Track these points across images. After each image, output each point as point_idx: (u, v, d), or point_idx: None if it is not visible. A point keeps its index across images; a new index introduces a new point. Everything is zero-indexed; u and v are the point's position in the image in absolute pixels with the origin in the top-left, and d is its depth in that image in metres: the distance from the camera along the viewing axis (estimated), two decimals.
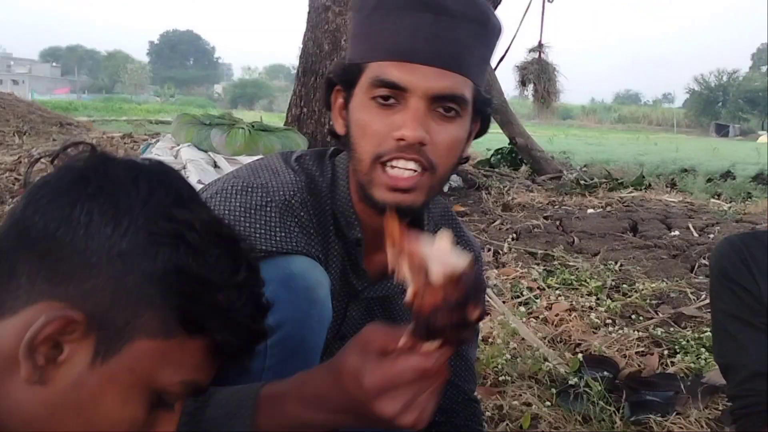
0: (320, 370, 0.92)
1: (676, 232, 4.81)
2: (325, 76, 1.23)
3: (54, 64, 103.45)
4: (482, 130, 1.27)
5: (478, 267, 0.80)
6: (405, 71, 1.10)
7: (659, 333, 2.95)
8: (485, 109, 1.22)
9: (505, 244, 4.37)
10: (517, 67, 8.30)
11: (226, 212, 1.14)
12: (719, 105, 78.60)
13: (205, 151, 4.56)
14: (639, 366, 2.67)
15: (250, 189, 1.16)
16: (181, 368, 0.76)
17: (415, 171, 1.12)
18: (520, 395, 2.36)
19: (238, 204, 1.14)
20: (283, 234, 1.15)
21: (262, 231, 1.14)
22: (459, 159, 1.21)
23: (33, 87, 65.84)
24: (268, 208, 1.15)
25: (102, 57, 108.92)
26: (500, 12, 5.75)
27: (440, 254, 0.81)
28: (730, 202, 7.04)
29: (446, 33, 1.10)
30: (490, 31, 1.17)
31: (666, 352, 2.79)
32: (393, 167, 1.12)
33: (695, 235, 4.76)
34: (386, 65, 1.11)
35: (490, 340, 2.77)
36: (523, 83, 8.30)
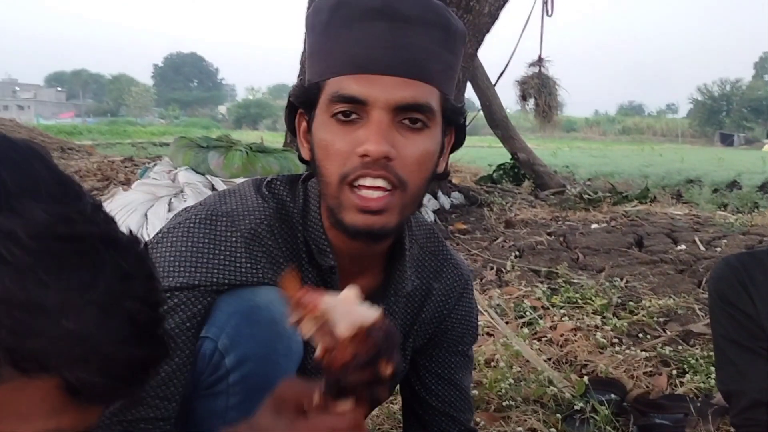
0: (241, 427, 0.86)
1: (683, 246, 4.74)
2: (287, 101, 1.16)
3: (59, 88, 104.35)
4: (458, 142, 1.20)
5: (389, 320, 0.74)
6: (363, 83, 1.03)
7: (667, 352, 2.88)
8: (457, 118, 1.15)
9: (508, 262, 4.30)
10: (518, 81, 8.27)
11: (189, 244, 1.09)
12: (723, 114, 78.65)
13: (203, 174, 4.53)
14: (647, 387, 2.59)
15: (214, 218, 1.11)
16: (29, 418, 0.59)
17: (385, 189, 1.05)
18: (525, 420, 2.30)
19: (201, 235, 1.09)
20: (249, 265, 1.10)
21: (227, 263, 1.08)
22: (433, 174, 1.13)
23: (38, 112, 66.32)
24: (233, 239, 1.10)
25: (106, 80, 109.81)
26: (498, 27, 5.73)
27: (347, 308, 0.76)
28: (737, 213, 6.97)
29: (404, 40, 1.04)
30: (453, 35, 1.10)
31: (675, 371, 2.72)
32: (361, 187, 1.05)
33: (702, 249, 4.68)
34: (344, 79, 1.04)
35: (493, 363, 2.70)
36: (523, 98, 8.25)
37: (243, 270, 1.10)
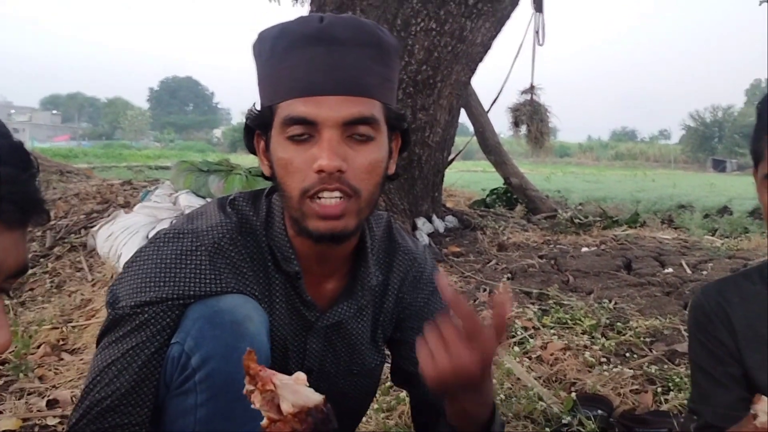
0: None
1: (670, 270, 4.85)
2: (244, 124, 1.28)
3: (54, 111, 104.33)
4: (405, 144, 1.32)
5: (329, 409, 0.88)
6: (310, 105, 1.14)
7: (653, 370, 2.98)
8: (401, 123, 1.26)
9: (501, 284, 4.40)
10: (510, 108, 8.43)
11: (159, 261, 1.19)
12: (715, 140, 79.10)
13: (203, 198, 4.62)
14: (633, 404, 2.69)
15: (181, 235, 1.22)
16: None
17: (341, 198, 1.16)
18: None
19: (169, 251, 1.20)
20: (213, 276, 1.20)
21: (192, 275, 1.18)
22: (384, 177, 1.25)
23: (33, 135, 66.28)
24: (198, 252, 1.20)
25: (102, 104, 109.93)
26: (491, 56, 5.87)
27: (295, 388, 0.88)
28: (724, 237, 7.08)
29: (341, 61, 1.14)
30: (386, 50, 1.20)
31: (660, 389, 2.81)
32: (320, 198, 1.16)
33: (688, 272, 4.79)
34: (292, 103, 1.15)
35: None
36: (515, 124, 8.41)
37: (207, 281, 1.19)
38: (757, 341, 1.31)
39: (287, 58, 1.15)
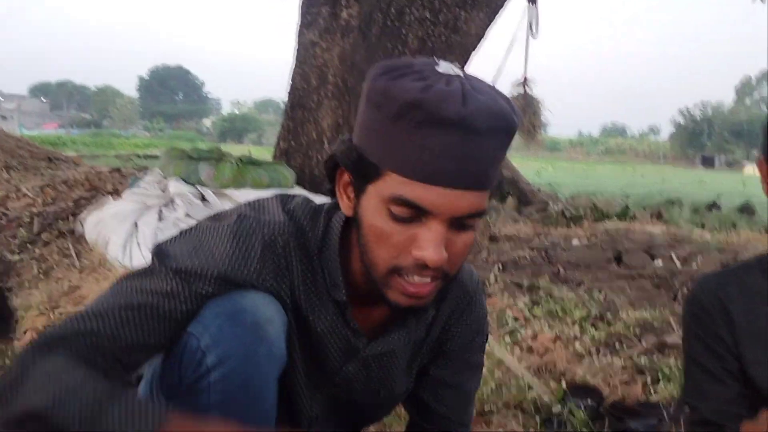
0: None
1: (660, 262, 4.86)
2: (331, 155, 1.15)
3: (43, 99, 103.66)
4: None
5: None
6: (431, 194, 1.02)
7: (643, 361, 2.99)
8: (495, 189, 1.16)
9: (492, 275, 4.40)
10: None
11: (217, 232, 1.14)
12: (705, 137, 79.49)
13: (193, 185, 4.58)
14: (623, 394, 2.69)
15: (243, 217, 1.17)
16: None
17: (431, 281, 1.10)
18: (506, 424, 2.38)
19: (226, 226, 1.15)
20: (258, 266, 1.14)
21: (240, 257, 1.13)
22: None
23: (22, 122, 65.86)
24: (253, 238, 1.15)
25: (91, 92, 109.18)
26: (485, 47, 5.86)
27: None
28: (714, 231, 7.12)
29: (474, 153, 1.02)
30: (513, 135, 1.10)
31: (649, 380, 2.82)
32: (409, 276, 1.08)
33: (678, 264, 4.81)
34: (409, 184, 1.03)
35: None
36: None
37: (251, 269, 1.13)
38: (756, 336, 1.29)
39: (416, 133, 1.02)
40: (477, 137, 1.02)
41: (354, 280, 1.21)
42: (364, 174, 1.08)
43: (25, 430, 0.95)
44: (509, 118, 1.06)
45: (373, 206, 1.08)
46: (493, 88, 1.09)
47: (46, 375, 0.97)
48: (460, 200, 1.04)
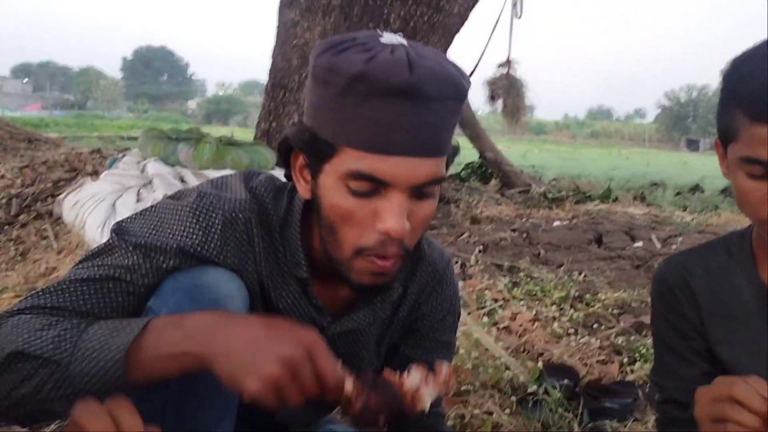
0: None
1: (640, 244, 4.88)
2: (283, 138, 1.14)
3: (25, 80, 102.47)
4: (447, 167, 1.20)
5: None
6: (387, 165, 1.02)
7: (620, 342, 3.00)
8: (453, 159, 1.16)
9: (473, 257, 4.40)
10: (486, 82, 8.40)
11: (177, 209, 1.14)
12: (689, 120, 79.86)
13: (172, 166, 4.54)
14: (599, 374, 2.70)
15: (203, 195, 1.16)
16: None
17: (393, 258, 1.09)
18: (482, 404, 2.38)
19: (186, 204, 1.15)
20: (219, 243, 1.14)
21: (201, 234, 1.13)
22: None
23: (4, 103, 65.11)
24: (214, 215, 1.14)
25: (74, 73, 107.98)
26: (468, 28, 5.83)
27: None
28: (696, 213, 7.16)
29: (425, 119, 1.02)
30: (463, 99, 1.10)
31: (626, 360, 2.83)
32: (373, 259, 1.08)
33: (658, 246, 4.84)
34: (364, 157, 1.02)
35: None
36: (492, 98, 8.40)
37: (212, 246, 1.13)
38: (720, 315, 1.29)
39: (365, 105, 1.01)
40: (427, 103, 1.02)
41: (316, 258, 1.20)
42: (319, 153, 1.07)
43: (12, 373, 0.99)
44: (458, 82, 1.06)
45: (331, 185, 1.07)
46: (438, 53, 1.09)
47: (13, 327, 1.02)
48: (417, 168, 1.04)
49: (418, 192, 1.06)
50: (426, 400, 1.04)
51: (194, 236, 1.12)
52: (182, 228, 1.12)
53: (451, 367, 1.13)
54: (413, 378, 1.04)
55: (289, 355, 0.95)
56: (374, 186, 1.04)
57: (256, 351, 0.95)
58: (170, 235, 1.12)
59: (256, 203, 1.19)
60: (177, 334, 0.98)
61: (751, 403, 0.96)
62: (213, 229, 1.14)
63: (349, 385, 0.98)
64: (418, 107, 1.01)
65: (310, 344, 0.98)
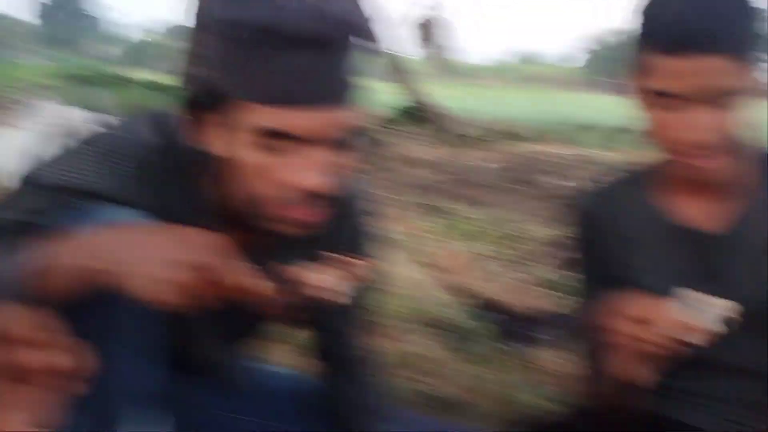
0: None
1: (573, 183, 4.97)
2: (183, 96, 1.05)
3: None
4: None
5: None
6: (298, 119, 0.96)
7: (555, 278, 3.06)
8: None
9: (406, 199, 4.41)
10: (415, 24, 8.34)
11: (79, 151, 1.08)
12: (619, 63, 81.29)
13: (96, 112, 4.41)
14: (534, 309, 2.77)
15: (109, 136, 1.09)
16: None
17: (320, 208, 1.03)
18: (417, 341, 2.42)
19: (91, 145, 1.07)
20: (127, 183, 1.06)
21: (107, 174, 1.05)
22: None
23: None
24: (120, 155, 1.07)
25: None
26: None
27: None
28: (625, 152, 7.33)
29: (325, 65, 0.98)
30: (362, 37, 1.03)
31: (560, 294, 2.90)
32: (297, 209, 1.02)
33: (589, 185, 4.94)
34: (273, 112, 0.96)
35: (391, 290, 2.81)
36: (420, 40, 8.36)
37: (118, 186, 1.06)
38: (639, 244, 1.31)
39: (269, 58, 0.95)
40: (324, 49, 0.96)
41: (229, 206, 1.13)
42: (224, 109, 0.99)
43: None
44: (352, 22, 1.00)
45: (240, 143, 1.00)
46: None
47: None
48: (327, 118, 0.98)
49: (334, 143, 1.01)
50: (342, 293, 1.02)
51: (100, 176, 1.07)
52: (87, 168, 1.06)
53: (368, 258, 1.12)
54: (327, 271, 1.02)
55: (200, 259, 0.90)
56: (287, 142, 0.98)
57: (164, 260, 0.90)
58: (75, 176, 1.06)
59: (164, 144, 1.12)
60: (80, 251, 0.91)
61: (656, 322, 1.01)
62: (118, 170, 1.07)
63: (265, 284, 0.92)
64: (316, 54, 0.96)
65: (220, 248, 0.92)
